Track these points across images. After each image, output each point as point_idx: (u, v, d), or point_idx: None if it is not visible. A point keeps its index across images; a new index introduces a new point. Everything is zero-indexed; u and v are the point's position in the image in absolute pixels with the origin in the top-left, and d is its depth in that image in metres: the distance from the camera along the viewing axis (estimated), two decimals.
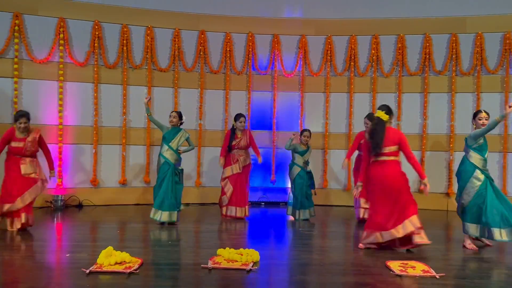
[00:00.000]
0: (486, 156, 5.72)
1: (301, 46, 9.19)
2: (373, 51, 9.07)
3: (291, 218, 7.45)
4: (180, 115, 6.89)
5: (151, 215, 6.61)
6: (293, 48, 9.28)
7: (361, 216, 7.42)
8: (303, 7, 9.24)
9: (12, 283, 3.90)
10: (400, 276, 4.22)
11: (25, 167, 6.15)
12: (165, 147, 6.70)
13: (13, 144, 6.16)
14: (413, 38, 9.02)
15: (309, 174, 7.42)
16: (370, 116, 7.53)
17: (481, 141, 5.75)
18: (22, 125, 6.09)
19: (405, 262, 4.64)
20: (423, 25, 8.95)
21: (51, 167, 6.58)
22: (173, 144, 6.70)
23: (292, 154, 7.42)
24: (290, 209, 7.40)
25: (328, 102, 9.23)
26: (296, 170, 7.32)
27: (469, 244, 5.60)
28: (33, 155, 6.33)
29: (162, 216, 6.53)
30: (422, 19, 8.93)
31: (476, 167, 5.67)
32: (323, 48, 9.20)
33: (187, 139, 6.84)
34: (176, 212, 6.68)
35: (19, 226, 6.02)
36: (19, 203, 6.00)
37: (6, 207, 5.95)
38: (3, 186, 6.16)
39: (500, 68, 8.62)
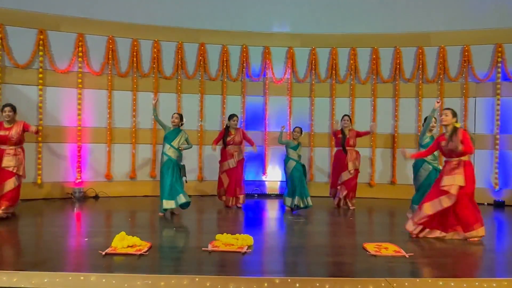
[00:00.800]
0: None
1: (289, 56, 9.26)
2: (351, 62, 9.17)
3: (287, 208, 7.34)
4: (181, 117, 6.82)
5: (164, 206, 6.41)
6: (282, 58, 9.33)
7: (336, 203, 7.78)
8: (290, 23, 9.32)
9: (37, 263, 4.03)
10: (375, 256, 4.30)
11: (8, 160, 5.88)
12: (167, 146, 6.58)
13: (0, 133, 5.96)
14: (385, 51, 9.15)
15: (303, 167, 7.42)
16: (347, 116, 7.79)
17: (427, 139, 6.09)
18: (7, 113, 5.94)
19: (380, 244, 4.70)
20: (393, 39, 9.07)
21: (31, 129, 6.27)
22: (175, 143, 6.60)
23: (287, 150, 7.44)
24: (287, 200, 7.25)
25: (313, 106, 9.32)
26: (292, 164, 7.27)
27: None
28: (17, 144, 6.06)
29: (172, 204, 6.43)
30: (392, 34, 9.05)
31: (425, 161, 6.02)
32: (308, 58, 9.28)
33: (186, 140, 6.75)
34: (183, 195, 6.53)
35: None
36: None
37: None
38: None
39: (460, 77, 8.80)
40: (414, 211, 5.73)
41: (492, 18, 8.51)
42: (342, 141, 7.64)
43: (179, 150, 6.67)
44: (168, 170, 6.54)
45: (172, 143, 6.61)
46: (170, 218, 6.46)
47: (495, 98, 8.58)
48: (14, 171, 5.95)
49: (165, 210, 6.48)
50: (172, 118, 6.76)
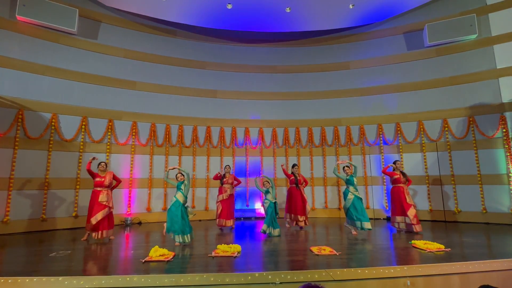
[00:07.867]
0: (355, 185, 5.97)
1: (260, 133, 9.45)
2: (296, 135, 9.40)
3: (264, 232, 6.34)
4: (182, 174, 5.83)
5: (178, 240, 5.21)
6: (256, 134, 9.50)
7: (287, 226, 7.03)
8: (260, 114, 9.59)
9: (100, 268, 3.82)
10: (318, 255, 4.21)
11: (102, 197, 5.56)
12: (178, 192, 5.53)
13: (97, 179, 5.67)
14: (316, 129, 9.42)
15: (275, 203, 6.43)
16: (294, 165, 7.27)
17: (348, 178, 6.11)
18: (103, 166, 5.76)
19: (320, 247, 4.58)
20: (320, 122, 9.42)
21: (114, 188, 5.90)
22: (181, 190, 5.62)
23: (264, 194, 6.69)
24: (265, 226, 6.18)
25: (275, 162, 9.37)
26: (267, 203, 6.27)
27: (353, 232, 5.73)
28: (108, 187, 5.71)
29: (185, 239, 5.32)
30: (320, 120, 9.40)
31: (349, 191, 5.96)
32: (271, 134, 9.48)
33: (185, 186, 5.58)
34: (190, 234, 5.39)
35: (100, 236, 5.50)
36: (93, 221, 5.43)
37: (89, 225, 5.47)
38: (89, 208, 5.62)
39: (359, 143, 9.07)
40: (348, 226, 5.82)
41: (375, 110, 9.00)
42: (295, 181, 7.06)
43: (185, 196, 5.62)
44: (177, 210, 5.39)
45: (180, 190, 5.59)
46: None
47: (381, 155, 8.84)
48: (106, 204, 5.60)
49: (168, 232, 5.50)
50: (178, 175, 5.84)
